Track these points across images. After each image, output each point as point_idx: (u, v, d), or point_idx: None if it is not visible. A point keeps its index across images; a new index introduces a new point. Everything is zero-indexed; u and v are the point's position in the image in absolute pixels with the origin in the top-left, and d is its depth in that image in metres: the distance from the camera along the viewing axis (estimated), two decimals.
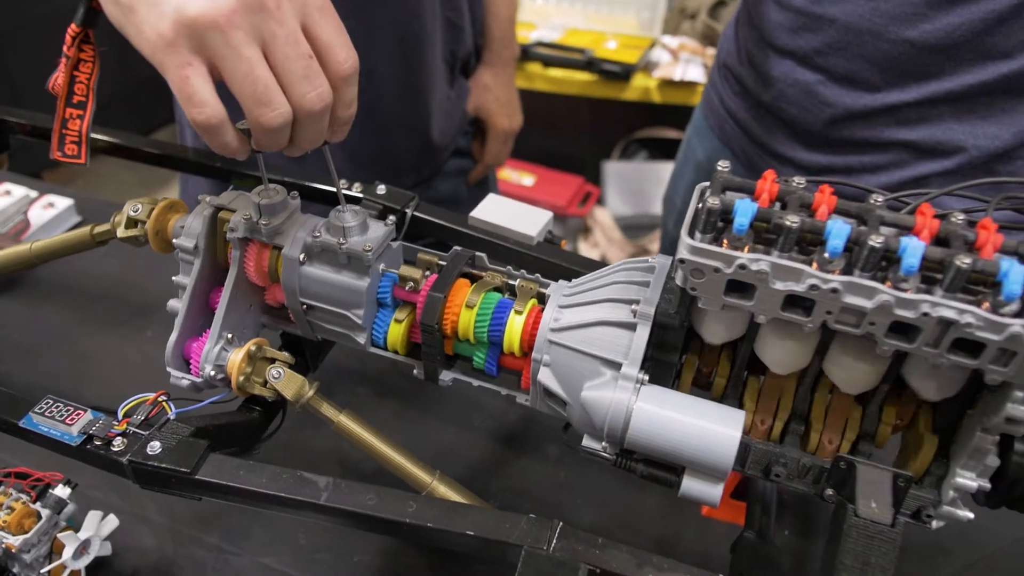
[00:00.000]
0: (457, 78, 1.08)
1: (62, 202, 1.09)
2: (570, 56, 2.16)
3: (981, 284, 0.37)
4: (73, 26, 0.48)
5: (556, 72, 2.19)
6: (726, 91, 0.94)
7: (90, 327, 0.94)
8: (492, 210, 0.65)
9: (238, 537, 0.72)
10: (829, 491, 0.43)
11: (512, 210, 0.65)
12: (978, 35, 0.68)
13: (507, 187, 2.38)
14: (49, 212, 1.08)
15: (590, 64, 2.13)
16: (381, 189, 0.66)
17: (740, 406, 0.47)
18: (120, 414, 0.49)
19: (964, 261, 0.36)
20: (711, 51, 2.16)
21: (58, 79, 0.50)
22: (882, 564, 0.39)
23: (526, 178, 2.44)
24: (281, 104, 0.43)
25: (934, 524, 0.44)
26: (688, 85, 2.06)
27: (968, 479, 0.42)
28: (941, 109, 0.73)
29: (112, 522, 0.66)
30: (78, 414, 0.48)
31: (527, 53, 2.18)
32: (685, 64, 2.11)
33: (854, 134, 0.79)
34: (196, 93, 0.42)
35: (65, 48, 0.49)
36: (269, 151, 0.46)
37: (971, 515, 0.44)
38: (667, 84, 2.09)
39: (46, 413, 0.48)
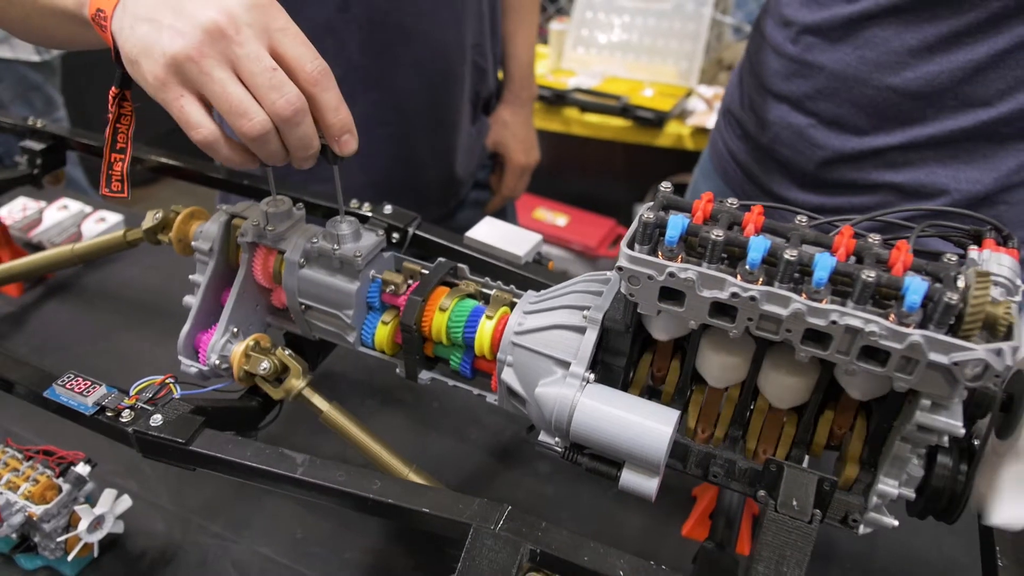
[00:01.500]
0: (479, 116, 1.15)
1: (113, 217, 1.19)
2: (606, 102, 2.23)
3: (891, 299, 0.41)
4: (113, 88, 0.56)
5: (592, 117, 2.25)
6: (729, 135, 0.98)
7: (127, 329, 1.02)
8: (487, 231, 0.70)
9: (240, 527, 0.78)
10: (761, 492, 0.46)
11: (505, 232, 0.70)
12: (957, 83, 0.72)
13: (541, 226, 2.44)
14: (100, 226, 1.18)
15: (625, 110, 2.19)
16: (387, 209, 0.72)
17: (684, 414, 0.50)
18: (131, 392, 0.55)
19: (869, 275, 0.39)
20: None
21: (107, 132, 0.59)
22: (797, 557, 0.42)
23: (560, 218, 2.49)
24: (257, 113, 0.50)
25: (861, 529, 0.46)
26: None
27: (890, 486, 0.45)
28: (924, 153, 0.76)
29: (125, 502, 0.71)
30: (94, 388, 0.54)
31: (564, 98, 2.26)
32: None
33: (843, 176, 0.82)
34: (191, 118, 0.50)
35: (109, 106, 0.57)
36: (272, 163, 0.53)
37: (895, 522, 0.46)
38: (700, 131, 2.14)
39: (67, 385, 0.55)
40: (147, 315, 1.05)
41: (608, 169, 2.45)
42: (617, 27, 2.47)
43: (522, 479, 0.82)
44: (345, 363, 0.94)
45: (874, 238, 0.42)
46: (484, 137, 1.16)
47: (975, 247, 0.45)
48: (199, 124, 0.51)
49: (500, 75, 1.19)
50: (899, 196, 0.79)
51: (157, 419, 0.52)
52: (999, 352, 0.38)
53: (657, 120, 2.16)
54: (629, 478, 0.46)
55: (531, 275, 0.66)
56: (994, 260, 0.43)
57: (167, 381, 0.57)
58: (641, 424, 0.45)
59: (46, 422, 0.66)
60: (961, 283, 0.39)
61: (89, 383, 0.54)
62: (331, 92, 0.52)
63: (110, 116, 0.59)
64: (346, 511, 0.77)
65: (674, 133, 2.18)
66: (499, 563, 0.45)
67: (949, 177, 0.76)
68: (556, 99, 2.25)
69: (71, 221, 1.19)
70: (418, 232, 0.72)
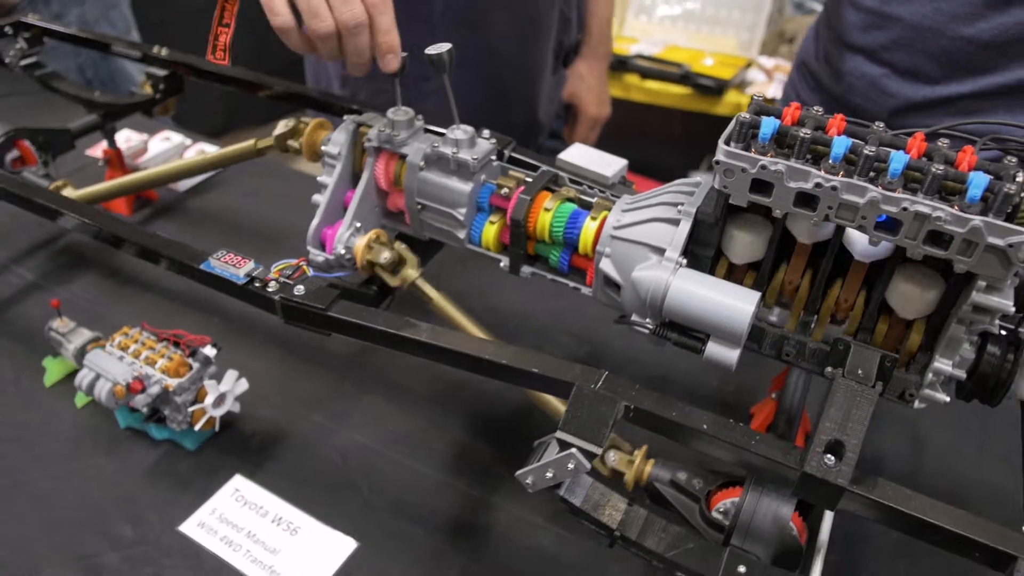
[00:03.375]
0: (559, 66, 1.21)
1: (210, 148, 1.28)
2: (667, 69, 2.27)
3: (955, 194, 0.47)
4: None
5: (652, 84, 2.30)
6: (802, 86, 1.04)
7: (227, 247, 1.11)
8: (577, 154, 0.77)
9: (338, 419, 0.87)
10: (829, 368, 0.53)
11: (593, 156, 0.77)
12: None
13: None
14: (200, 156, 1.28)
15: (685, 78, 2.24)
16: (486, 133, 0.80)
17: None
18: (272, 269, 0.64)
19: (938, 168, 0.45)
20: None
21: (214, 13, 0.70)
22: (859, 416, 0.49)
23: None
24: (327, 17, 0.63)
25: (916, 404, 0.53)
26: None
27: (945, 364, 0.51)
28: (994, 102, 0.81)
29: (243, 384, 0.81)
30: (244, 261, 0.63)
31: (626, 64, 2.30)
32: (779, 84, 2.18)
33: (915, 124, 0.86)
34: (275, 6, 0.64)
35: None
36: (329, 59, 0.65)
37: (947, 398, 0.52)
38: None
39: (222, 259, 0.63)
40: (245, 235, 1.15)
41: (666, 136, 2.50)
42: None
43: None
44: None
45: (943, 142, 0.48)
46: (562, 88, 1.23)
47: None
48: (280, 12, 0.65)
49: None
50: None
51: (300, 289, 0.61)
52: None
53: (717, 88, 2.20)
54: (714, 349, 0.54)
55: (614, 196, 0.73)
56: None
57: (301, 264, 0.66)
58: (726, 302, 0.52)
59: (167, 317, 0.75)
60: (1020, 179, 0.45)
61: (240, 258, 0.63)
62: (386, 16, 0.64)
63: None
64: (433, 410, 0.87)
65: (733, 102, 2.22)
66: (599, 415, 0.52)
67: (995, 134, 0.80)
68: (618, 65, 2.30)
69: (174, 151, 1.29)
70: (514, 154, 0.79)
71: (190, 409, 0.78)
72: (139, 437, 0.83)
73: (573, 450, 0.52)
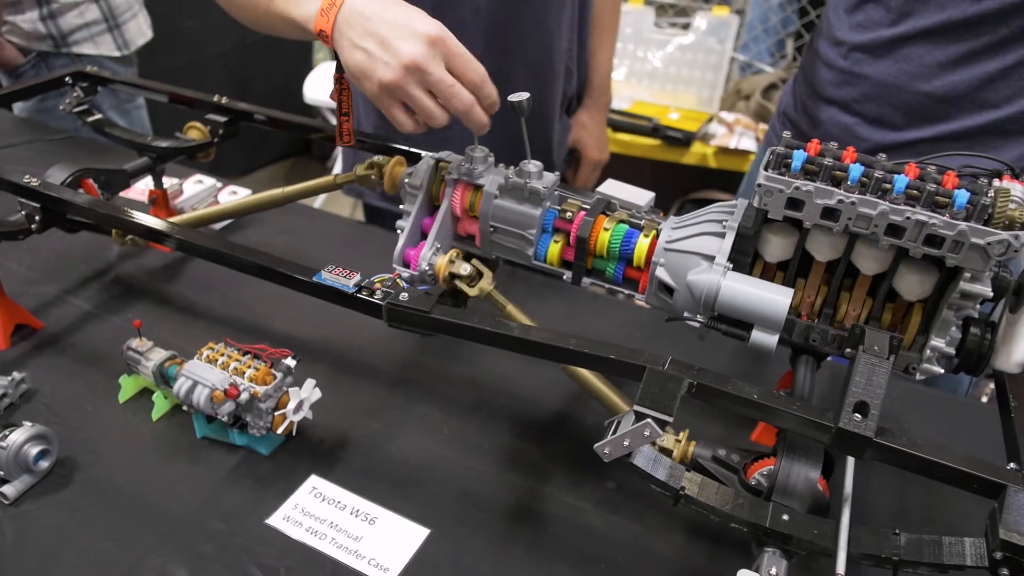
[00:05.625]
0: (563, 115, 1.36)
1: (242, 190, 1.38)
2: (638, 123, 2.46)
3: (942, 206, 0.62)
4: (335, 73, 0.81)
5: (624, 136, 2.48)
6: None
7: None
8: (612, 187, 0.90)
9: (396, 425, 0.96)
10: (849, 349, 0.66)
11: (626, 189, 0.90)
12: (974, 90, 0.94)
13: None
14: (233, 196, 1.38)
15: (655, 130, 2.42)
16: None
17: None
18: (374, 280, 0.75)
19: (932, 187, 0.60)
20: (763, 126, 2.44)
21: (333, 95, 0.83)
22: (879, 382, 0.62)
23: None
24: (442, 115, 0.76)
25: (918, 376, 0.67)
26: (741, 153, 2.34)
27: (939, 343, 0.65)
28: (948, 145, 0.98)
29: (318, 393, 0.90)
30: (352, 274, 0.74)
31: None
32: (739, 135, 2.39)
33: None
34: (398, 118, 0.78)
35: (334, 83, 0.81)
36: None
37: (941, 370, 0.66)
38: (723, 151, 2.37)
39: (332, 272, 0.74)
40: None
41: (637, 183, 2.68)
42: (644, 57, 2.72)
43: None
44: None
45: (930, 168, 0.63)
46: (567, 135, 1.38)
47: (996, 180, 0.66)
48: (405, 122, 0.78)
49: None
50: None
51: (404, 296, 0.72)
52: (1016, 236, 0.58)
53: (685, 140, 2.39)
54: (757, 336, 0.67)
55: (657, 220, 0.87)
56: (1009, 186, 0.64)
57: (395, 278, 0.77)
58: (768, 295, 0.66)
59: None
60: (991, 193, 0.60)
61: (348, 271, 0.74)
62: (486, 86, 0.77)
63: (335, 91, 0.80)
64: (480, 416, 0.97)
65: (699, 152, 2.41)
66: (668, 390, 0.64)
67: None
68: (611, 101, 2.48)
69: (208, 192, 1.39)
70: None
71: (272, 415, 0.87)
72: (215, 446, 0.91)
73: (648, 420, 0.64)
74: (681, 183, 2.71)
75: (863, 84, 1.02)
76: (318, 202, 2.64)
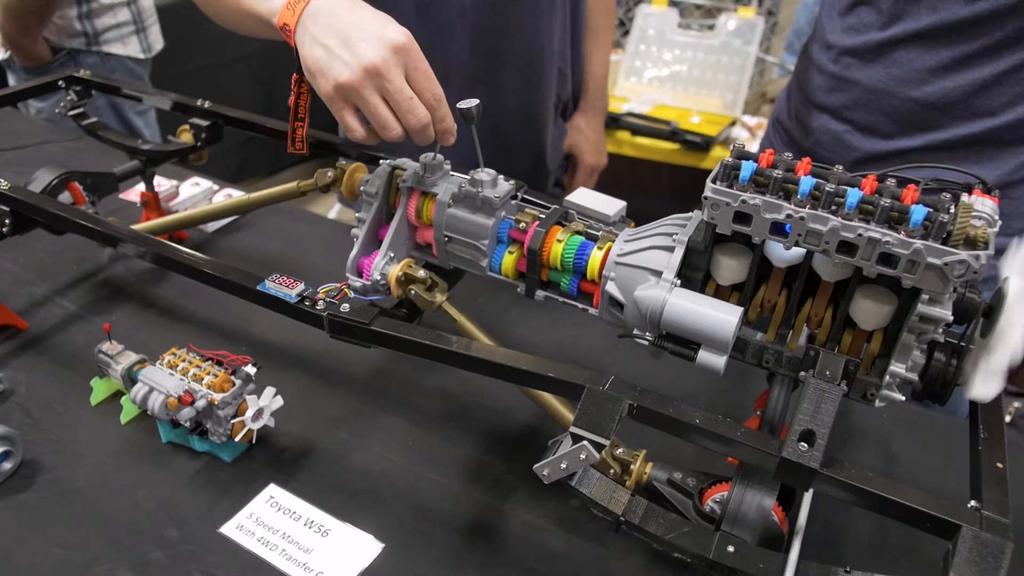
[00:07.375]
0: (558, 119, 1.34)
1: (237, 193, 1.39)
2: (657, 127, 2.42)
3: (901, 223, 0.57)
4: (295, 75, 0.77)
5: (643, 140, 2.44)
6: (777, 141, 1.16)
7: None
8: (581, 196, 0.87)
9: (362, 435, 0.95)
10: (803, 372, 0.63)
11: (597, 198, 0.87)
12: (967, 97, 0.88)
13: None
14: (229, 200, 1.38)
15: (674, 134, 2.38)
16: (501, 178, 0.90)
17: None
18: (319, 291, 0.74)
19: (886, 201, 0.56)
20: None
21: (290, 100, 0.80)
22: (828, 410, 0.58)
23: None
24: (396, 127, 0.73)
25: (876, 403, 0.62)
26: None
27: (900, 368, 0.61)
28: (940, 155, 0.93)
29: (279, 400, 0.89)
30: (295, 283, 0.72)
31: (618, 121, 2.44)
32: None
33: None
34: (349, 124, 0.74)
35: (292, 86, 0.78)
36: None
37: (902, 397, 0.62)
38: None
39: (276, 281, 0.73)
40: (271, 271, 1.24)
41: (656, 188, 2.63)
42: (667, 59, 2.67)
43: None
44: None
45: (891, 181, 0.59)
46: (562, 139, 1.35)
47: (967, 195, 0.62)
48: (355, 128, 0.75)
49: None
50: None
51: (345, 307, 0.70)
52: (976, 256, 0.54)
53: (704, 144, 2.34)
54: (704, 356, 0.63)
55: (616, 231, 0.84)
56: (979, 202, 0.59)
57: (343, 287, 0.75)
58: (714, 315, 0.62)
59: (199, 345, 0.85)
60: (952, 211, 0.56)
61: (291, 280, 0.73)
62: (442, 108, 0.74)
63: (292, 94, 0.78)
64: (448, 428, 0.95)
65: (719, 157, 2.34)
66: (607, 411, 0.61)
67: (959, 175, 0.92)
68: (610, 122, 2.45)
69: (203, 195, 1.39)
70: (525, 196, 0.89)
71: (231, 422, 0.86)
72: (180, 451, 0.91)
73: (584, 443, 0.61)
74: (701, 188, 2.65)
75: (853, 90, 0.97)
76: (333, 212, 2.65)
